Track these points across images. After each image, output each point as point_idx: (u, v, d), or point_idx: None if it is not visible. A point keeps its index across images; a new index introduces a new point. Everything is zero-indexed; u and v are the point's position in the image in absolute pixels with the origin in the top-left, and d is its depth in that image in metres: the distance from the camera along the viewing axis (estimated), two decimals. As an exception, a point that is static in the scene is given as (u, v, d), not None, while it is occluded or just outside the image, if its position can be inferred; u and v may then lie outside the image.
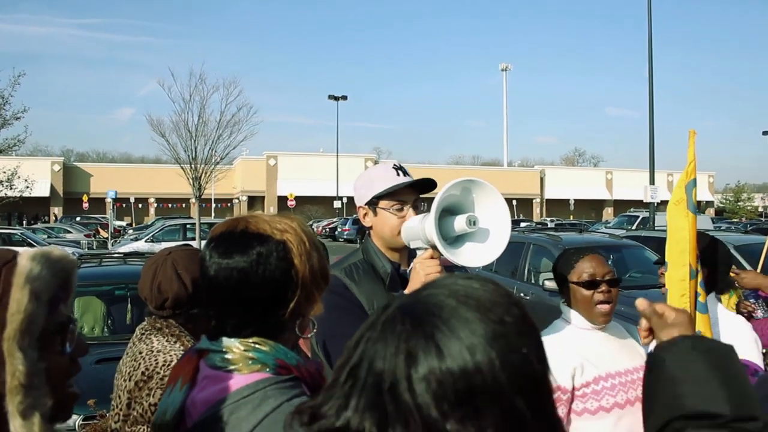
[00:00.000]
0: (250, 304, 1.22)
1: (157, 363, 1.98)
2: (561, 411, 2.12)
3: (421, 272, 1.96)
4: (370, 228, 2.21)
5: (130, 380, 2.00)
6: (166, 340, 2.07)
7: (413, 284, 1.97)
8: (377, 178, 2.16)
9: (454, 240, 1.99)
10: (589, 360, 2.15)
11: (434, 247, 1.98)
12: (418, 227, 2.01)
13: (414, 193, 2.17)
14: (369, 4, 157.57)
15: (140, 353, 2.04)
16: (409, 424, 0.69)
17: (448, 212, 1.98)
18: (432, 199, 1.93)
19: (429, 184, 2.18)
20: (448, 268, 2.06)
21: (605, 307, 2.19)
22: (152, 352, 2.03)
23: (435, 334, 0.72)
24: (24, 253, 1.04)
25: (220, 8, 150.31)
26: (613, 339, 2.26)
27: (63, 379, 1.03)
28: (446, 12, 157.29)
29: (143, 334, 2.12)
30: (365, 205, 2.18)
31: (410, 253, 2.22)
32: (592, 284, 2.18)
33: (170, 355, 1.99)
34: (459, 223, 1.96)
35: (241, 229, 1.26)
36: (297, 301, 1.23)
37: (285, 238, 1.23)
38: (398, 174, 2.15)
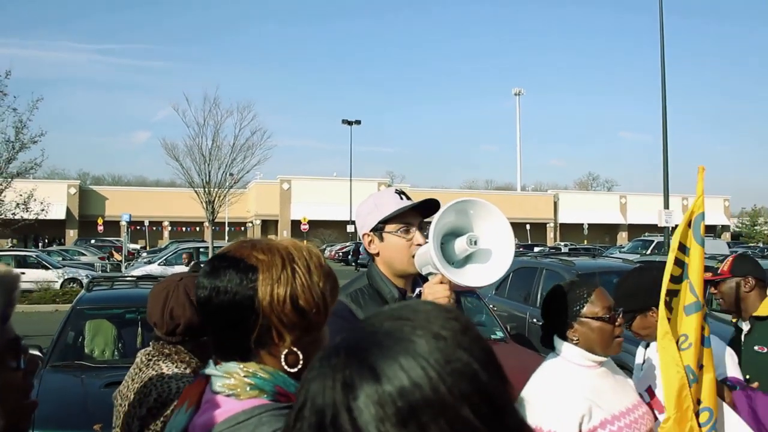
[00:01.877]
0: (216, 326, 1.23)
1: (170, 390, 1.94)
2: None
3: (429, 296, 1.96)
4: (376, 254, 2.19)
5: (140, 407, 1.95)
6: (176, 367, 2.04)
7: None
8: (381, 203, 2.17)
9: (463, 262, 1.97)
10: (595, 402, 2.09)
11: None
12: (427, 253, 2.00)
13: (419, 215, 2.18)
14: (383, 29, 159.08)
15: (150, 379, 2.00)
16: None
17: (454, 235, 1.96)
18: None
19: (433, 206, 2.17)
20: (459, 293, 2.04)
21: (620, 339, 2.20)
22: (163, 378, 1.99)
23: (368, 358, 0.72)
24: None
25: (234, 33, 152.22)
26: (609, 374, 2.22)
27: (19, 395, 1.02)
28: (459, 37, 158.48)
29: (150, 360, 2.09)
30: (370, 231, 2.17)
31: (414, 280, 2.23)
32: (613, 319, 2.17)
33: (183, 382, 1.95)
34: (459, 245, 1.96)
35: (223, 253, 1.26)
36: (261, 329, 1.19)
37: (258, 264, 1.21)
38: (401, 198, 2.16)
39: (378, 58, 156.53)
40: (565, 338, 2.20)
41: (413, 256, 2.11)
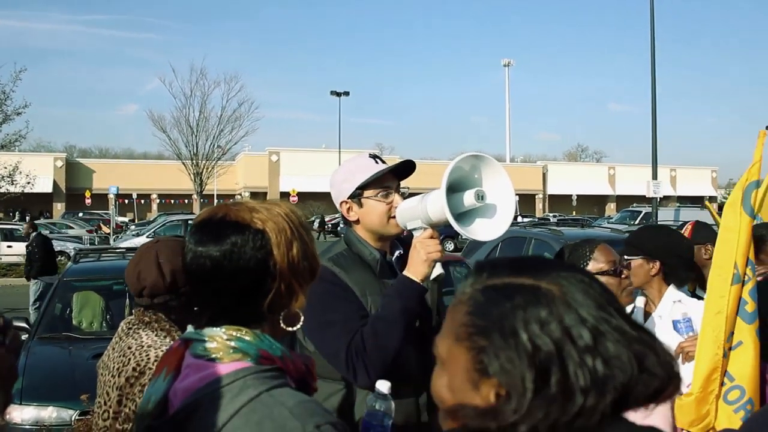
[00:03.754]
0: (224, 293, 1.20)
1: (148, 358, 1.94)
2: None
3: (422, 251, 1.97)
4: (356, 222, 2.18)
5: (119, 376, 1.96)
6: (156, 335, 2.04)
7: (413, 264, 1.98)
8: (357, 169, 2.15)
9: (458, 217, 1.97)
10: None
11: (434, 227, 2.00)
12: (417, 207, 2.01)
13: (395, 178, 2.18)
14: (371, 2, 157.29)
15: (129, 348, 2.00)
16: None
17: (450, 190, 1.95)
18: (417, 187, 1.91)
19: (408, 170, 2.18)
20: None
21: (631, 287, 2.27)
22: (142, 347, 1.99)
23: (560, 289, 0.83)
24: None
25: (222, 6, 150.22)
26: None
27: (9, 372, 1.00)
28: (448, 8, 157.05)
29: (130, 328, 2.09)
30: (348, 198, 2.16)
31: (392, 243, 2.23)
32: (618, 272, 2.22)
33: (161, 351, 1.95)
34: (468, 198, 1.95)
35: (219, 217, 1.23)
36: (276, 292, 1.19)
37: (265, 227, 1.20)
38: (376, 162, 2.15)
39: (367, 30, 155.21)
40: None
41: (394, 217, 2.11)
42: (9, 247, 21.46)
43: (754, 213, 2.36)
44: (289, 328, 1.22)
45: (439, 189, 1.93)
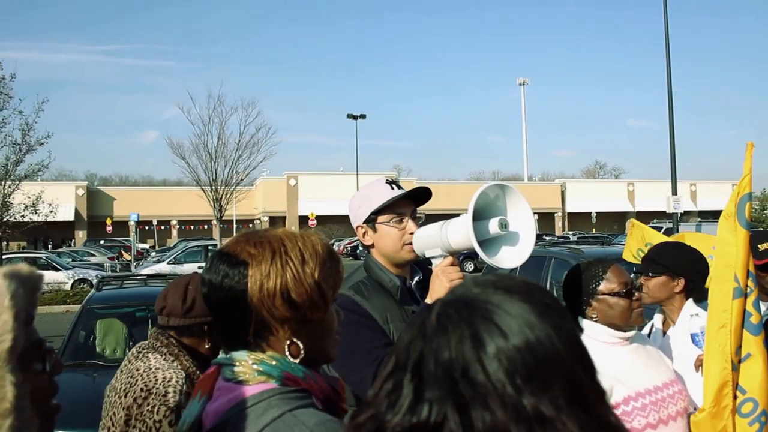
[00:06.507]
0: (217, 320, 1.26)
1: (156, 379, 1.99)
2: None
3: (444, 279, 1.97)
4: (371, 246, 2.21)
5: (126, 396, 2.00)
6: (164, 359, 2.09)
7: (436, 292, 1.98)
8: (372, 194, 2.18)
9: (480, 245, 1.98)
10: (619, 379, 2.10)
11: (453, 254, 2.00)
12: (436, 235, 2.02)
13: (411, 204, 2.19)
14: (385, 22, 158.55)
15: (137, 370, 2.05)
16: (488, 404, 0.71)
17: (473, 219, 1.97)
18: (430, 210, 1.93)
19: (424, 195, 2.20)
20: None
21: (640, 309, 2.25)
22: (150, 369, 2.04)
23: (493, 317, 0.76)
24: None
25: (238, 31, 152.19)
26: (641, 351, 2.24)
27: (46, 398, 1.02)
28: (463, 28, 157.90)
29: (140, 352, 2.16)
30: (363, 223, 2.19)
31: (412, 267, 2.24)
32: (629, 293, 2.21)
33: (169, 373, 2.01)
34: (492, 226, 1.97)
35: (221, 248, 1.29)
36: (258, 323, 1.21)
37: (249, 259, 1.21)
38: (392, 188, 2.17)
39: (383, 53, 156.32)
40: (585, 317, 2.23)
41: (409, 244, 2.13)
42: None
43: (748, 225, 2.38)
44: (292, 360, 1.22)
45: (461, 217, 1.95)
